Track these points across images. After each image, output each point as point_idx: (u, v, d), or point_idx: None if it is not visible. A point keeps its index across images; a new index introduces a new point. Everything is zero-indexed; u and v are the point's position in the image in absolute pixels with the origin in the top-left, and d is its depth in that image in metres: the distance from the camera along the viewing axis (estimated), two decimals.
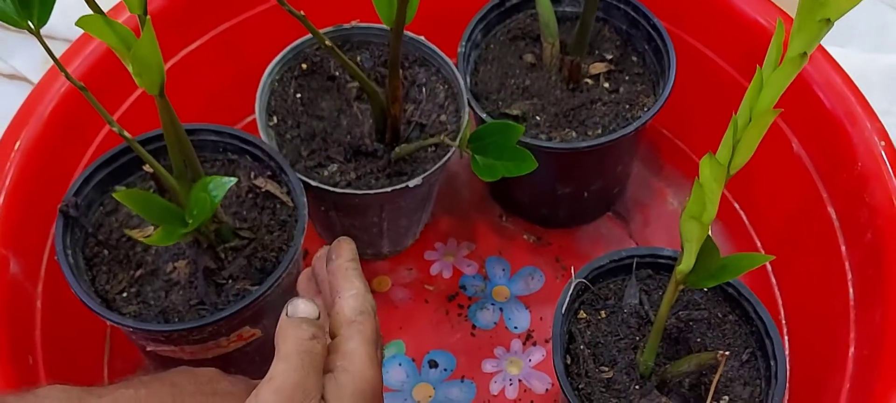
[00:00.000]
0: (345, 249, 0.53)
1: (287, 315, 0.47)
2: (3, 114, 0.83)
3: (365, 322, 0.49)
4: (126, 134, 0.54)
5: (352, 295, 0.50)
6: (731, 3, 0.70)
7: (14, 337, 0.56)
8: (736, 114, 0.49)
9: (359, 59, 0.70)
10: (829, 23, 0.46)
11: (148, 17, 0.47)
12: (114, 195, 0.53)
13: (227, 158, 0.65)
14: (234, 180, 0.54)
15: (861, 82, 0.87)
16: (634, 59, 0.71)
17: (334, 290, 0.51)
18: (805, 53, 0.46)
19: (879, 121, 0.63)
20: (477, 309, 0.74)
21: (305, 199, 0.61)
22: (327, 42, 0.58)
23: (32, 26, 0.51)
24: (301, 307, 0.47)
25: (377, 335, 0.50)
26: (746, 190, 0.73)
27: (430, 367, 0.71)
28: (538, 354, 0.72)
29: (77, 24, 0.45)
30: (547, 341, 0.72)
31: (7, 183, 0.59)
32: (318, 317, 0.47)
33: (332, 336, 0.49)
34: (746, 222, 0.74)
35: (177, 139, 0.55)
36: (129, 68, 0.49)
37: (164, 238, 0.53)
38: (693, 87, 0.72)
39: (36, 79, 0.85)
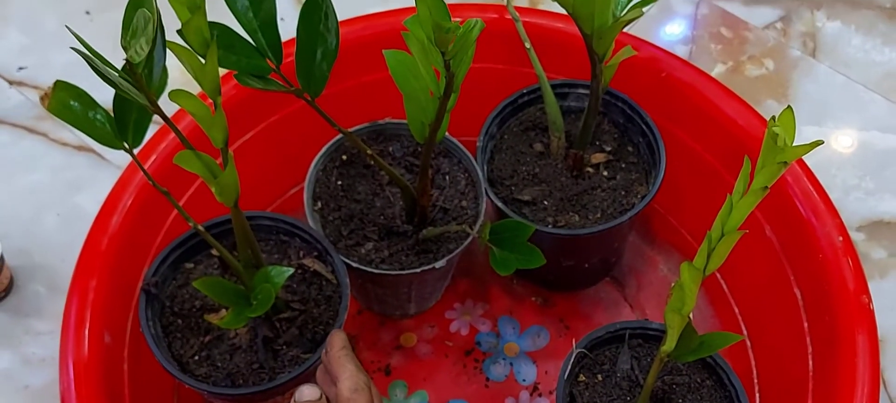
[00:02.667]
0: (336, 341, 0.62)
1: (295, 401, 0.57)
2: (73, 183, 0.94)
3: (359, 397, 0.58)
4: (200, 228, 0.65)
5: (346, 377, 0.59)
6: (714, 105, 0.80)
7: (111, 397, 0.67)
8: (710, 230, 0.59)
9: (391, 148, 0.81)
10: (785, 164, 0.56)
11: (231, 153, 0.57)
12: (194, 283, 0.63)
13: (279, 239, 0.75)
14: (291, 270, 0.65)
15: (834, 158, 0.98)
16: (630, 149, 0.82)
17: (333, 377, 0.60)
18: (766, 187, 0.57)
19: (839, 218, 0.73)
20: (490, 363, 0.84)
21: (348, 280, 0.72)
22: (369, 151, 0.69)
23: (127, 147, 0.62)
24: (306, 392, 0.58)
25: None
26: (727, 261, 0.83)
27: None
28: None
29: (174, 161, 0.56)
30: (551, 392, 0.83)
31: (100, 269, 0.69)
32: (321, 398, 0.58)
33: None
34: (726, 290, 0.84)
35: (244, 235, 0.66)
36: (213, 189, 0.60)
37: (233, 321, 0.64)
38: (681, 172, 0.83)
39: (102, 151, 0.96)
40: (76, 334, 0.67)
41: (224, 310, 0.70)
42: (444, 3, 0.53)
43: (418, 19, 0.56)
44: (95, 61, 0.50)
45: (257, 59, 0.60)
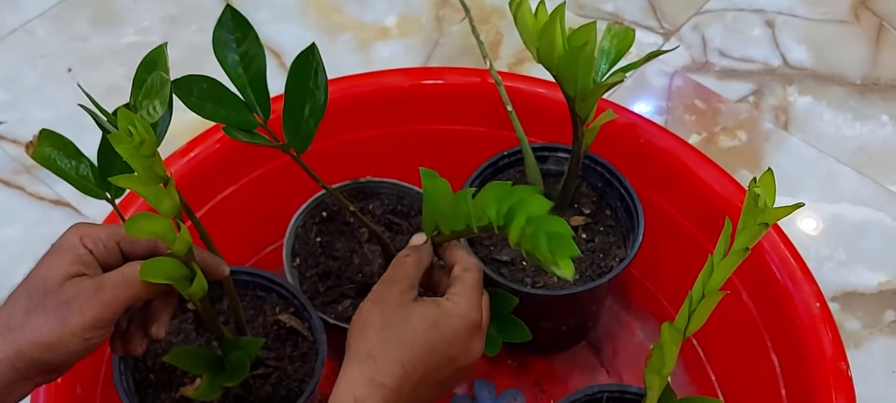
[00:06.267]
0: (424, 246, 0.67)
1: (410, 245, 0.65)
2: (48, 237, 0.93)
3: (469, 274, 0.64)
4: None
5: (461, 257, 0.66)
6: (692, 171, 0.81)
7: None
8: (691, 290, 0.60)
9: (371, 206, 0.81)
10: (766, 226, 0.57)
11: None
12: (165, 359, 0.63)
13: (256, 294, 0.74)
14: (261, 341, 0.65)
15: (807, 229, 0.99)
16: (608, 213, 0.83)
17: (449, 261, 0.66)
18: (747, 248, 0.57)
19: (816, 285, 0.74)
20: None
21: (325, 336, 0.71)
22: (351, 207, 0.69)
23: (109, 198, 0.62)
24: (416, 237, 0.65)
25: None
26: (703, 328, 0.84)
27: None
28: None
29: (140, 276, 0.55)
30: None
31: None
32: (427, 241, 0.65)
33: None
34: (703, 358, 0.84)
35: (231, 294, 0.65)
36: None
37: (207, 392, 0.63)
38: (659, 237, 0.83)
39: (79, 206, 0.95)
40: (47, 386, 0.65)
41: (198, 379, 0.68)
42: None
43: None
44: (97, 113, 0.50)
45: (245, 113, 0.60)
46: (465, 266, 0.64)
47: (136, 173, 0.50)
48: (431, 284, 0.66)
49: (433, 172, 0.65)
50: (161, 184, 0.52)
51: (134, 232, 0.51)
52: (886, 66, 1.16)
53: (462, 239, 0.67)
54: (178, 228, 0.54)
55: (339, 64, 1.13)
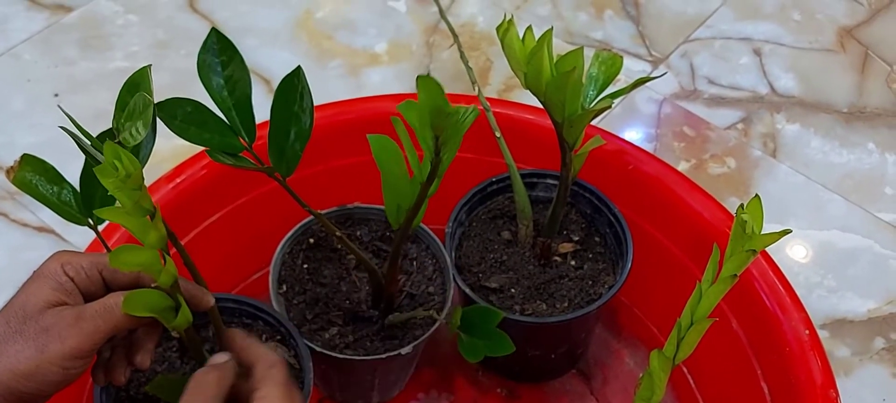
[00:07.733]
0: (236, 336, 0.62)
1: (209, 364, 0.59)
2: (32, 264, 0.92)
3: (277, 371, 0.59)
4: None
5: (261, 356, 0.60)
6: (680, 198, 0.81)
7: None
8: (680, 318, 0.59)
9: (359, 233, 0.80)
10: (754, 252, 0.57)
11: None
12: (146, 388, 0.62)
13: (242, 322, 0.74)
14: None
15: (796, 257, 0.99)
16: (597, 239, 0.82)
17: (247, 365, 0.60)
18: (735, 275, 0.57)
19: (805, 312, 0.73)
20: None
21: (311, 364, 0.70)
22: (338, 232, 0.68)
23: (92, 223, 0.61)
24: (217, 356, 0.59)
25: None
26: (693, 355, 0.83)
27: None
28: None
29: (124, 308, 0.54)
30: None
31: None
32: (229, 360, 0.59)
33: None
34: (693, 385, 0.84)
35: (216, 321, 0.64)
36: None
37: None
38: (648, 265, 0.83)
39: (62, 232, 0.94)
40: None
41: None
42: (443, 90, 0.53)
43: (412, 104, 0.57)
44: (81, 137, 0.50)
45: (230, 137, 0.60)
46: (269, 363, 0.59)
47: (120, 205, 0.50)
48: (235, 394, 0.60)
49: (381, 135, 0.64)
50: (147, 217, 0.51)
51: (118, 265, 0.50)
52: (872, 95, 1.17)
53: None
54: (164, 260, 0.54)
55: (329, 90, 1.13)
